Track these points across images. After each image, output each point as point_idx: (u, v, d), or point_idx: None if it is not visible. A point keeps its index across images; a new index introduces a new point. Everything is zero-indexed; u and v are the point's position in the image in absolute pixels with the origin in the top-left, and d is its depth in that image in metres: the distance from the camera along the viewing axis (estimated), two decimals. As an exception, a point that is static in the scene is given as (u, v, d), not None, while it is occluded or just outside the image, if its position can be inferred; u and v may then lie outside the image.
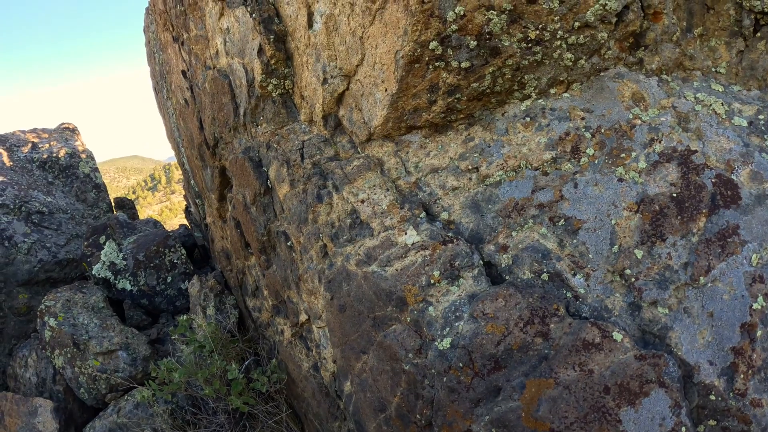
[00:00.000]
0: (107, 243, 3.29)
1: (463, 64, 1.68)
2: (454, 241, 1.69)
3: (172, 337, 2.78)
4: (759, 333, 1.52)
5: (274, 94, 2.08)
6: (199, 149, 2.48)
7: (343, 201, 1.83)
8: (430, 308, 1.64)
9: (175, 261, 3.24)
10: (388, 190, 1.80)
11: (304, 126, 2.04)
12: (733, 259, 1.57)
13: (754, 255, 1.57)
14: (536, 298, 1.57)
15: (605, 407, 1.46)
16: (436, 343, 1.61)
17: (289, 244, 2.05)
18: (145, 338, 2.92)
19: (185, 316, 2.63)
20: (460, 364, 1.57)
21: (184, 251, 3.30)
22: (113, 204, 4.14)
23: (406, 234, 1.72)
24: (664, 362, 1.49)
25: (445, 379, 1.59)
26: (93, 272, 3.26)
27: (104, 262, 3.26)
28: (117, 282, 3.24)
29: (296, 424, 2.44)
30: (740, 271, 1.56)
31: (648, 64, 1.84)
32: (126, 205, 4.17)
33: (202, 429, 2.47)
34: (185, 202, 3.99)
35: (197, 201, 3.17)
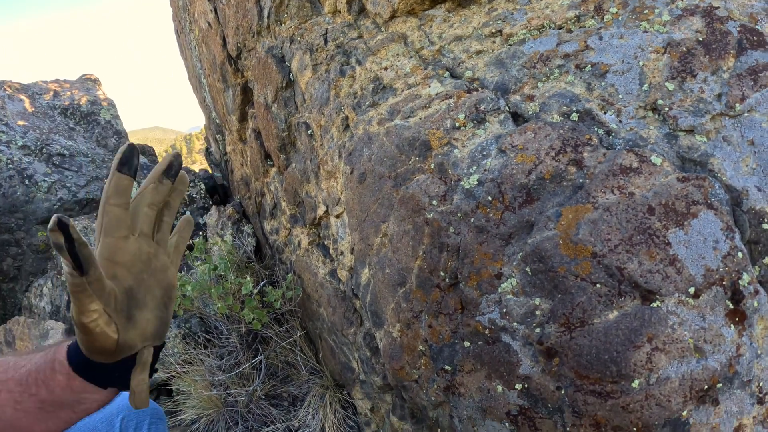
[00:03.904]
0: (128, 180, 3.06)
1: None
2: (479, 89, 1.50)
3: (188, 261, 2.53)
4: (807, 158, 1.28)
5: (298, -10, 1.95)
6: (221, 69, 2.34)
7: (366, 71, 1.66)
8: (456, 151, 1.43)
9: (194, 195, 3.01)
10: (411, 57, 1.63)
11: (328, 18, 1.91)
12: (767, 90, 1.36)
13: (792, 88, 1.36)
14: (567, 129, 1.36)
15: (651, 228, 1.21)
16: (462, 182, 1.38)
17: (309, 132, 1.85)
18: (161, 268, 2.64)
19: (201, 237, 2.39)
20: (489, 198, 1.33)
21: (203, 186, 3.07)
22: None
23: (430, 87, 1.53)
24: (710, 184, 1.26)
25: (472, 219, 1.35)
26: (113, 209, 3.01)
27: (124, 198, 3.02)
28: (136, 218, 2.97)
29: (310, 348, 2.14)
30: (778, 102, 1.34)
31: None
32: (147, 151, 3.99)
33: (215, 350, 2.17)
34: (205, 145, 3.80)
35: (218, 137, 2.99)
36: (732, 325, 1.22)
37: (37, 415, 0.73)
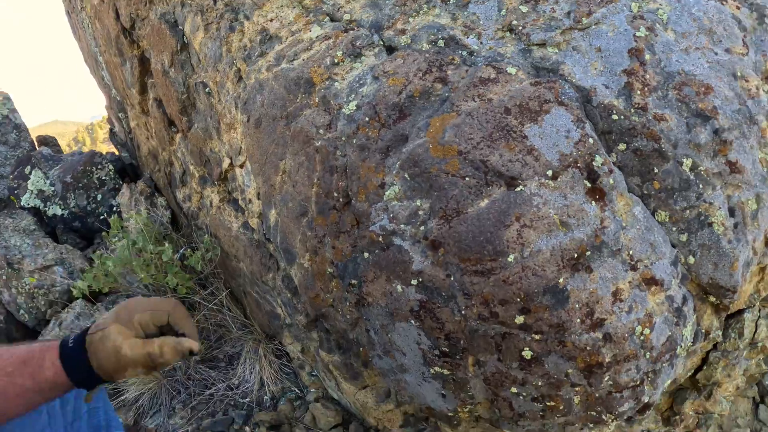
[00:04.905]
0: (33, 172, 3.08)
1: None
2: (356, 28, 1.65)
3: (106, 241, 2.56)
4: (647, 57, 1.49)
5: (184, -42, 2.04)
6: (117, 42, 2.39)
7: (253, 24, 1.77)
8: (336, 84, 1.57)
9: (104, 177, 3.05)
10: (294, 7, 1.76)
11: (217, -19, 2.01)
12: (613, 6, 1.56)
13: (633, 3, 1.57)
14: (433, 53, 1.53)
15: (509, 125, 1.39)
16: (343, 110, 1.52)
17: (207, 90, 1.95)
18: (80, 253, 2.68)
19: (115, 216, 2.43)
20: (366, 119, 1.48)
21: (112, 167, 3.11)
22: (36, 142, 3.92)
23: (311, 31, 1.67)
24: (560, 86, 1.45)
25: (354, 140, 1.49)
26: (22, 203, 3.03)
27: (32, 191, 3.04)
28: (47, 209, 3.01)
29: (237, 307, 2.23)
30: (622, 15, 1.55)
31: None
32: (50, 142, 3.93)
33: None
34: (108, 126, 3.78)
35: (120, 115, 3.02)
36: (593, 202, 1.39)
37: (14, 401, 0.95)
